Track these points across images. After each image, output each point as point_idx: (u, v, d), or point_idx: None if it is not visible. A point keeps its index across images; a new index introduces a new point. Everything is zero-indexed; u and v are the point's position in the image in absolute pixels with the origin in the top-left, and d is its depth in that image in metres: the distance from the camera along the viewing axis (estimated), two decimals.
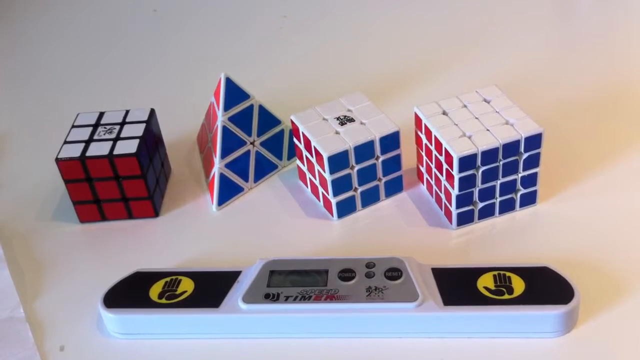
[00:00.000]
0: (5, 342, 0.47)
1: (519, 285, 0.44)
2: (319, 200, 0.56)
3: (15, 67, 0.83)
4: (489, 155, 0.50)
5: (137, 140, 0.54)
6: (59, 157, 0.54)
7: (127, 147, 0.54)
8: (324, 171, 0.53)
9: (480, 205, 0.52)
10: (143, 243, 0.54)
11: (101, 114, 0.58)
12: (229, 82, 0.57)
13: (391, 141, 0.53)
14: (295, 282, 0.46)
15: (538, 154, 0.51)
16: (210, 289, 0.46)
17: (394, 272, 0.46)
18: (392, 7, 0.87)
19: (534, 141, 0.50)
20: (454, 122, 0.52)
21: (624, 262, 0.48)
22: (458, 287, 0.45)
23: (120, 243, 0.55)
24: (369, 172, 0.54)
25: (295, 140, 0.57)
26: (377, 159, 0.54)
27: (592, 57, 0.74)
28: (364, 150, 0.53)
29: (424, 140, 0.54)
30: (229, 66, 0.67)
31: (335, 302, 0.44)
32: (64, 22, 0.91)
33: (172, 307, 0.45)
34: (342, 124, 0.54)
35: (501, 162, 0.50)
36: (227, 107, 0.57)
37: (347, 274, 0.46)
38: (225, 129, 0.57)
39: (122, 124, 0.57)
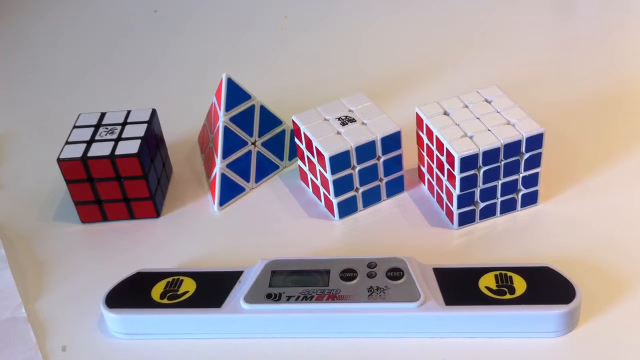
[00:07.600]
0: (7, 343, 0.47)
1: (520, 285, 0.44)
2: (320, 201, 0.56)
3: (16, 67, 0.83)
4: (490, 155, 0.50)
5: (139, 141, 0.54)
6: (60, 157, 0.54)
7: (129, 147, 0.54)
8: (325, 171, 0.53)
9: (482, 205, 0.52)
10: (144, 243, 0.54)
11: (103, 115, 0.58)
12: (230, 83, 0.57)
13: (392, 141, 0.53)
14: (297, 282, 0.46)
15: (539, 154, 0.51)
16: (212, 289, 0.46)
17: (396, 272, 0.46)
18: (393, 8, 0.87)
19: (535, 141, 0.50)
20: (455, 122, 0.52)
21: (625, 261, 0.48)
22: (459, 287, 0.45)
23: (121, 243, 0.55)
24: (370, 172, 0.54)
25: (296, 140, 0.57)
26: (378, 159, 0.54)
27: (593, 57, 0.74)
28: (365, 151, 0.53)
29: (425, 141, 0.54)
30: (230, 66, 0.67)
31: (337, 302, 0.44)
32: (64, 23, 0.91)
33: (174, 307, 0.45)
34: (343, 124, 0.54)
35: (502, 162, 0.50)
36: (228, 108, 0.57)
37: (348, 274, 0.46)
38: (226, 129, 0.57)
39: (124, 124, 0.57)
